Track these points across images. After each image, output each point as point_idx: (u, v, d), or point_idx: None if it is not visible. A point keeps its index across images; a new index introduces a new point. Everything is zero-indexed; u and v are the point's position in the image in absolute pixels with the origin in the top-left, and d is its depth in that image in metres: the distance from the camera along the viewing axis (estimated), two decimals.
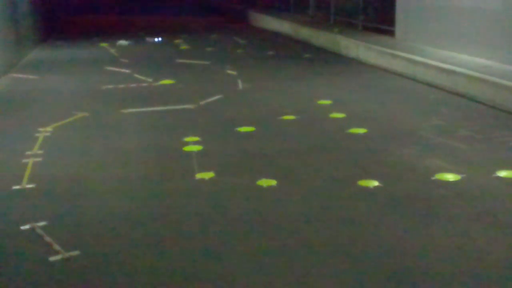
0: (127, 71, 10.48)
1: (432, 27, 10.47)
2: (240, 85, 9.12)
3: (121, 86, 9.17)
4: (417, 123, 6.72)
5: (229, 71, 10.24)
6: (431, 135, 6.26)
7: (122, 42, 13.97)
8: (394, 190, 4.78)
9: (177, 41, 14.76)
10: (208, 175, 5.18)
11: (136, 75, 10.02)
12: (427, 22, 10.64)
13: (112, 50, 13.23)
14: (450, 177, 5.01)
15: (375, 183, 4.90)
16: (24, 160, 5.65)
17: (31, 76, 10.16)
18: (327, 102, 7.85)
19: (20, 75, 10.27)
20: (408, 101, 7.91)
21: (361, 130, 6.47)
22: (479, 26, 9.15)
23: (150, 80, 9.62)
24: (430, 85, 8.72)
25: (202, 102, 7.93)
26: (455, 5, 9.73)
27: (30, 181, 5.10)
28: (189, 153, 5.81)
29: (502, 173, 5.06)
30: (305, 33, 14.44)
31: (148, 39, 14.22)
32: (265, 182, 4.97)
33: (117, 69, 10.69)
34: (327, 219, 4.27)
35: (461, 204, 4.49)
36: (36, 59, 12.31)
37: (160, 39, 14.34)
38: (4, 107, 8.00)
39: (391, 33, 11.96)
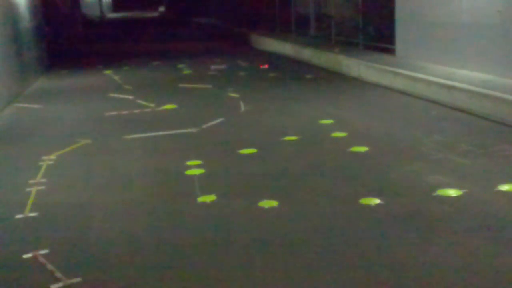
0: (131, 97, 10.56)
1: (431, 43, 10.52)
2: (242, 107, 9.17)
3: (124, 112, 9.24)
4: (418, 140, 6.73)
5: (232, 94, 10.30)
6: (433, 151, 6.26)
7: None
8: (396, 207, 4.77)
9: (180, 66, 14.88)
10: (210, 198, 5.19)
11: (139, 101, 10.10)
12: (426, 39, 10.69)
13: (116, 77, 13.34)
14: (452, 192, 5.00)
15: (377, 201, 4.89)
16: (28, 189, 5.69)
17: (35, 106, 10.25)
18: (329, 121, 7.88)
19: (24, 105, 10.37)
20: (409, 118, 7.93)
21: (363, 148, 6.48)
22: (478, 41, 9.19)
23: (153, 105, 9.68)
24: (431, 101, 8.73)
25: (204, 126, 7.97)
26: (454, 21, 9.78)
27: (33, 209, 5.13)
28: (191, 177, 5.83)
29: (504, 187, 5.04)
30: (307, 53, 14.53)
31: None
32: (266, 204, 4.97)
33: (120, 96, 10.78)
34: (329, 239, 4.26)
35: (463, 219, 4.47)
36: (40, 88, 12.43)
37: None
38: (8, 137, 8.07)
39: (391, 51, 12.02)
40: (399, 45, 11.74)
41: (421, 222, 4.45)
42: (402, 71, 9.92)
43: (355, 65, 11.63)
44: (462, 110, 8.00)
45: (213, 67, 14.08)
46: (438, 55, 10.26)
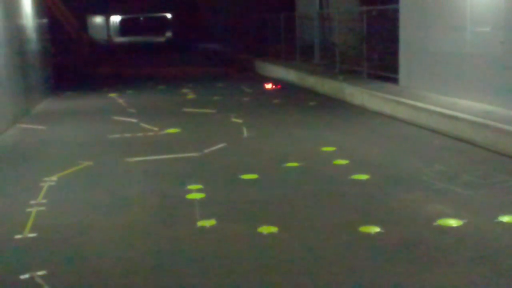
0: (134, 120, 10.62)
1: (434, 73, 10.58)
2: (245, 132, 9.20)
3: (127, 135, 9.28)
4: (419, 169, 6.73)
5: (235, 119, 10.35)
6: (434, 180, 6.25)
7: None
8: (396, 236, 4.75)
9: (184, 90, 14.97)
10: (209, 222, 5.18)
11: (143, 124, 10.14)
12: (429, 69, 10.76)
13: (120, 100, 13.42)
14: (452, 222, 4.99)
15: (377, 229, 4.88)
16: (28, 209, 5.69)
17: (39, 127, 10.30)
18: (331, 148, 7.89)
19: (29, 126, 10.43)
20: (411, 147, 7.94)
21: (364, 176, 6.48)
22: (480, 71, 9.24)
23: (156, 129, 9.72)
24: (433, 131, 8.75)
25: (207, 150, 7.99)
26: (457, 51, 9.85)
27: (32, 230, 5.13)
28: (192, 201, 5.83)
29: (505, 218, 5.03)
30: (311, 81, 14.61)
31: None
32: (266, 229, 4.96)
33: (124, 119, 10.83)
34: (328, 267, 4.24)
35: (462, 249, 4.45)
36: (45, 110, 12.50)
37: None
38: (11, 157, 8.10)
39: (394, 80, 12.08)
40: (402, 75, 11.81)
41: (421, 252, 4.43)
42: (404, 100, 9.96)
43: (359, 93, 11.69)
44: (464, 141, 8.01)
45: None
46: (441, 85, 10.31)
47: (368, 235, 4.79)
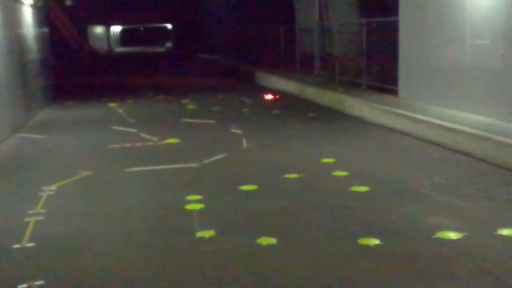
0: (134, 130, 10.62)
1: (434, 86, 10.60)
2: (245, 143, 9.19)
3: (127, 145, 9.27)
4: (419, 181, 6.72)
5: (234, 130, 10.35)
6: (434, 193, 6.24)
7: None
8: (395, 248, 4.74)
9: (184, 101, 14.99)
10: (208, 233, 5.17)
11: (142, 134, 10.14)
12: (429, 81, 10.78)
13: (120, 110, 13.43)
14: (452, 235, 4.98)
15: (376, 241, 4.86)
16: (26, 219, 5.67)
17: (38, 136, 10.30)
18: (330, 160, 7.89)
19: (28, 135, 10.42)
20: (411, 159, 7.93)
21: (363, 188, 6.47)
22: (480, 84, 9.26)
23: (155, 139, 9.72)
24: (433, 143, 8.75)
25: (206, 161, 7.99)
26: (457, 64, 9.87)
27: (30, 239, 5.11)
28: (191, 211, 5.81)
29: (504, 231, 5.01)
30: (310, 92, 14.63)
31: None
32: (265, 241, 4.95)
33: (124, 129, 10.83)
34: (327, 279, 4.22)
35: (462, 262, 4.44)
36: (44, 119, 12.50)
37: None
38: (10, 166, 8.09)
39: (394, 92, 12.10)
40: (402, 87, 11.83)
41: (420, 264, 4.41)
42: (404, 112, 9.97)
43: (358, 105, 11.70)
44: (463, 153, 8.01)
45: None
46: (440, 97, 10.33)
47: (368, 247, 4.77)
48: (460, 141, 8.22)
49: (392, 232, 5.12)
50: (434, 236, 4.95)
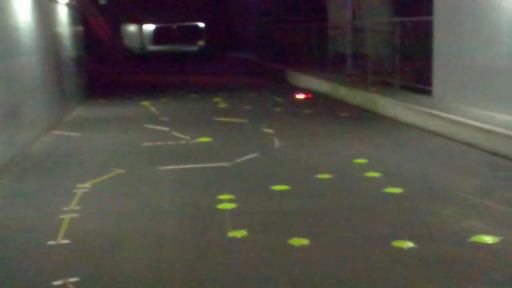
0: (166, 129, 10.69)
1: (470, 86, 10.42)
2: (277, 143, 9.17)
3: (159, 143, 9.34)
4: (454, 183, 6.61)
5: (266, 129, 10.33)
6: (469, 195, 6.14)
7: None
8: (429, 252, 4.67)
9: (216, 99, 15.04)
10: (240, 233, 5.17)
11: (174, 133, 10.20)
12: (465, 82, 10.60)
13: (153, 108, 13.53)
14: (488, 239, 4.88)
15: (410, 244, 4.80)
16: (61, 216, 5.75)
17: (72, 134, 10.44)
18: (363, 161, 7.82)
19: (63, 132, 10.57)
20: (445, 161, 7.81)
21: (397, 190, 6.40)
22: None
23: (187, 137, 9.77)
24: (468, 144, 8.60)
25: (238, 160, 7.99)
26: (493, 64, 9.69)
27: (65, 236, 5.18)
28: (223, 211, 5.82)
29: None
30: (343, 91, 14.53)
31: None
32: (297, 242, 4.93)
33: (156, 127, 10.91)
34: (359, 282, 4.18)
35: (498, 267, 4.35)
36: (79, 117, 12.68)
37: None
38: (46, 163, 8.22)
39: (428, 92, 11.93)
40: (436, 87, 11.66)
41: (455, 269, 4.34)
42: (439, 113, 9.82)
43: (391, 105, 11.57)
44: (500, 155, 7.85)
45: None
46: (476, 98, 10.15)
47: (401, 250, 4.71)
48: (497, 143, 8.06)
49: (426, 235, 5.04)
50: (470, 240, 4.87)
